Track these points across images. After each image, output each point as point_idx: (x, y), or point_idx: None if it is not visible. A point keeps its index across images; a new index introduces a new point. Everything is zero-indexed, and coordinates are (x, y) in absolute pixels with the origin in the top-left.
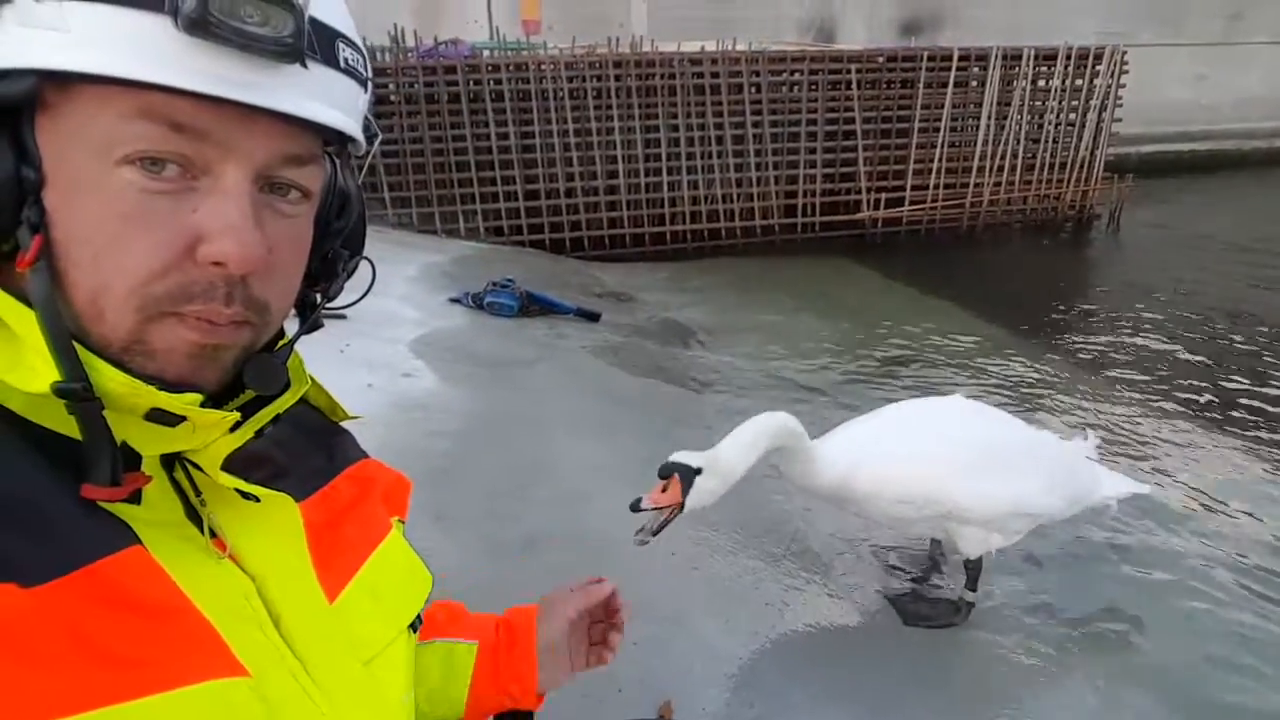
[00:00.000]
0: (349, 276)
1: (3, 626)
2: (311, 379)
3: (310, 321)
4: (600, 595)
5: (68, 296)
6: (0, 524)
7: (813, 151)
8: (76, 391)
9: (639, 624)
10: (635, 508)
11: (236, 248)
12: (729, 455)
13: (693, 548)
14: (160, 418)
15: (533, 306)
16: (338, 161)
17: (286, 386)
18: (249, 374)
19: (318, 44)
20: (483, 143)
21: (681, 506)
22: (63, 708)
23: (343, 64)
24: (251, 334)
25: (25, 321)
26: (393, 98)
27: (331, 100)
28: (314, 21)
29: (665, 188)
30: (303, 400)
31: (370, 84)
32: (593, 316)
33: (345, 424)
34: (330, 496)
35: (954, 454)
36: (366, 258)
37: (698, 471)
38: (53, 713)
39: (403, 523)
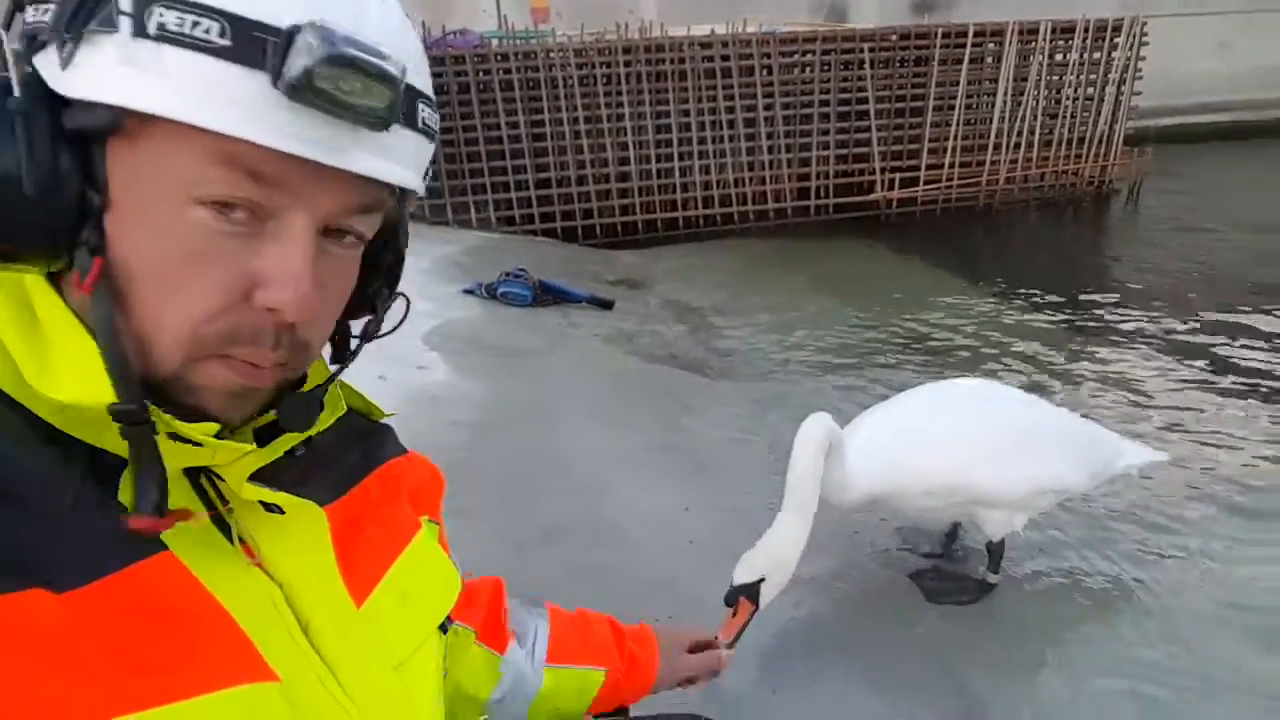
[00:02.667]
0: (386, 311)
1: (34, 633)
2: (343, 382)
3: (353, 358)
4: (711, 668)
5: (123, 320)
6: (29, 531)
7: (825, 133)
8: (133, 413)
9: (661, 602)
10: (726, 646)
11: (295, 297)
12: (786, 522)
13: (715, 531)
14: (180, 438)
15: (546, 296)
16: (401, 205)
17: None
18: (283, 413)
19: (403, 107)
20: (493, 132)
21: (756, 609)
22: (94, 713)
23: (420, 125)
24: (290, 373)
25: (77, 339)
26: None
27: (405, 159)
28: (405, 87)
29: (677, 173)
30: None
31: (438, 137)
32: (606, 304)
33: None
34: (359, 497)
35: (975, 443)
36: (402, 293)
37: (760, 581)
38: (83, 717)
39: (434, 523)
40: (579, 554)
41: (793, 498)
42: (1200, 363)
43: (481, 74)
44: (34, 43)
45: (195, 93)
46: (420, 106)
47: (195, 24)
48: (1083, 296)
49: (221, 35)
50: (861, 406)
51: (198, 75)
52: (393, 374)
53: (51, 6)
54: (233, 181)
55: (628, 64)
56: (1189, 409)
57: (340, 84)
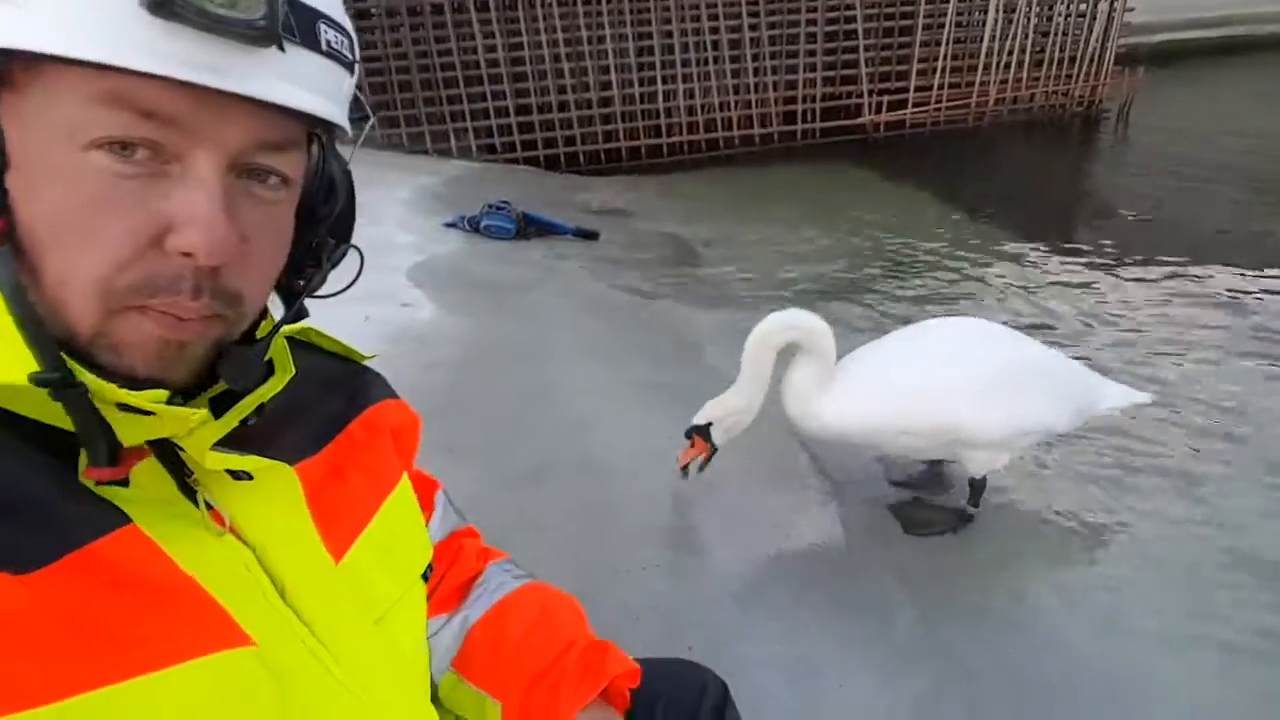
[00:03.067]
0: (335, 265)
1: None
2: (317, 331)
3: (293, 312)
4: None
5: (34, 283)
6: None
7: (812, 54)
8: (56, 381)
9: (650, 549)
10: (680, 471)
11: (205, 239)
12: (740, 386)
13: (701, 476)
14: (132, 409)
15: (530, 228)
16: (325, 146)
17: (267, 376)
18: (223, 368)
19: (296, 25)
20: (470, 56)
21: (713, 450)
22: (63, 690)
23: (324, 47)
24: (222, 327)
25: None
26: (373, 11)
27: (312, 85)
28: (293, 2)
29: (660, 97)
30: (315, 349)
31: (358, 66)
32: (591, 235)
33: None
34: (344, 444)
35: (960, 383)
36: (355, 246)
37: (709, 425)
38: (55, 695)
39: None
40: (569, 490)
41: (744, 372)
42: (1188, 289)
43: None
44: None
45: (60, 24)
46: (322, 27)
47: None
48: (1071, 222)
49: None
50: (852, 336)
51: (62, 5)
52: (377, 313)
53: None
54: (123, 122)
55: None
56: (1174, 340)
57: None
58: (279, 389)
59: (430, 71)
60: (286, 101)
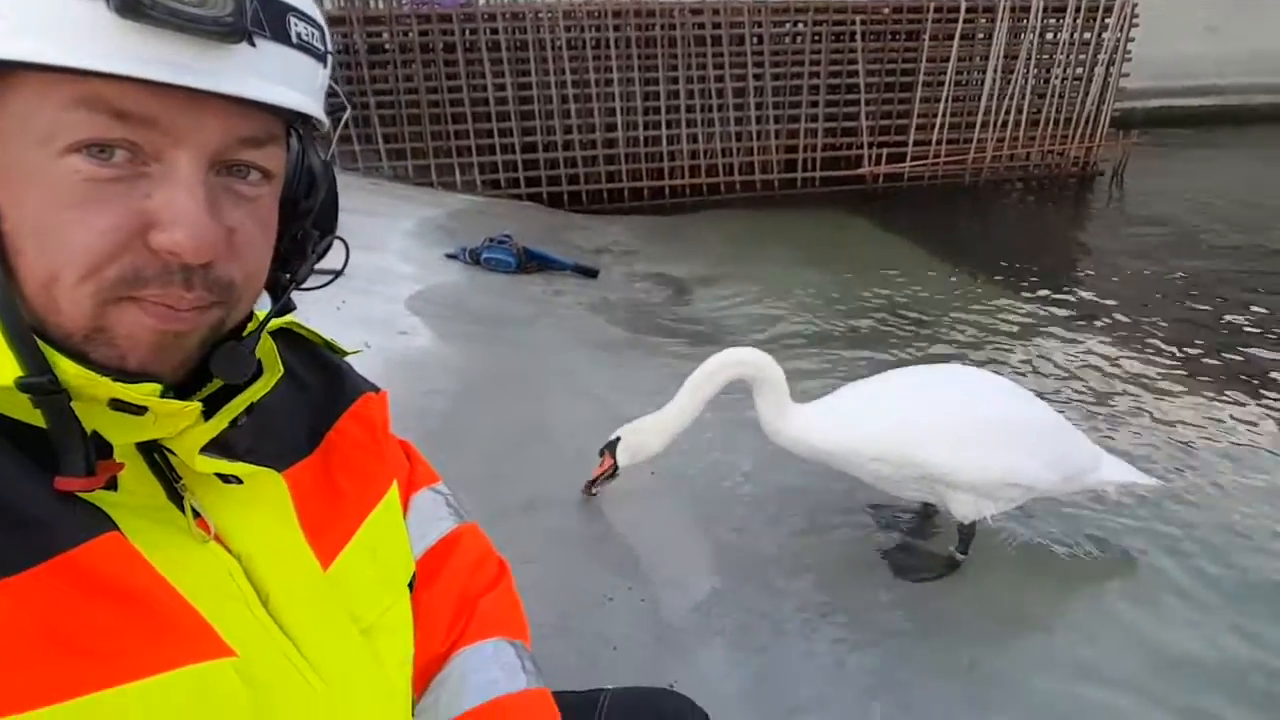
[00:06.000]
0: (320, 257)
1: None
2: (298, 324)
3: (280, 305)
4: None
5: (21, 289)
6: None
7: (814, 105)
8: (42, 385)
9: (636, 583)
10: (588, 492)
11: (189, 238)
12: (667, 410)
13: (694, 510)
14: (124, 406)
15: (530, 263)
16: (303, 139)
17: (257, 374)
18: (216, 362)
19: (266, 20)
20: (479, 94)
21: (615, 468)
22: (36, 699)
23: (295, 40)
24: (218, 315)
25: None
26: (387, 46)
27: (285, 78)
28: None
29: (664, 141)
30: (299, 341)
31: (330, 58)
32: (590, 272)
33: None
34: (334, 442)
35: (938, 421)
36: (340, 237)
37: (617, 440)
38: (26, 705)
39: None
40: (559, 523)
41: (677, 400)
42: (1176, 351)
43: (468, 33)
44: None
45: (30, 30)
46: (292, 20)
47: None
48: (1063, 279)
49: None
50: (842, 381)
51: (31, 11)
52: (374, 339)
53: None
54: (99, 124)
55: (617, 28)
56: (1161, 399)
57: None
58: (269, 389)
59: (440, 107)
60: (260, 96)
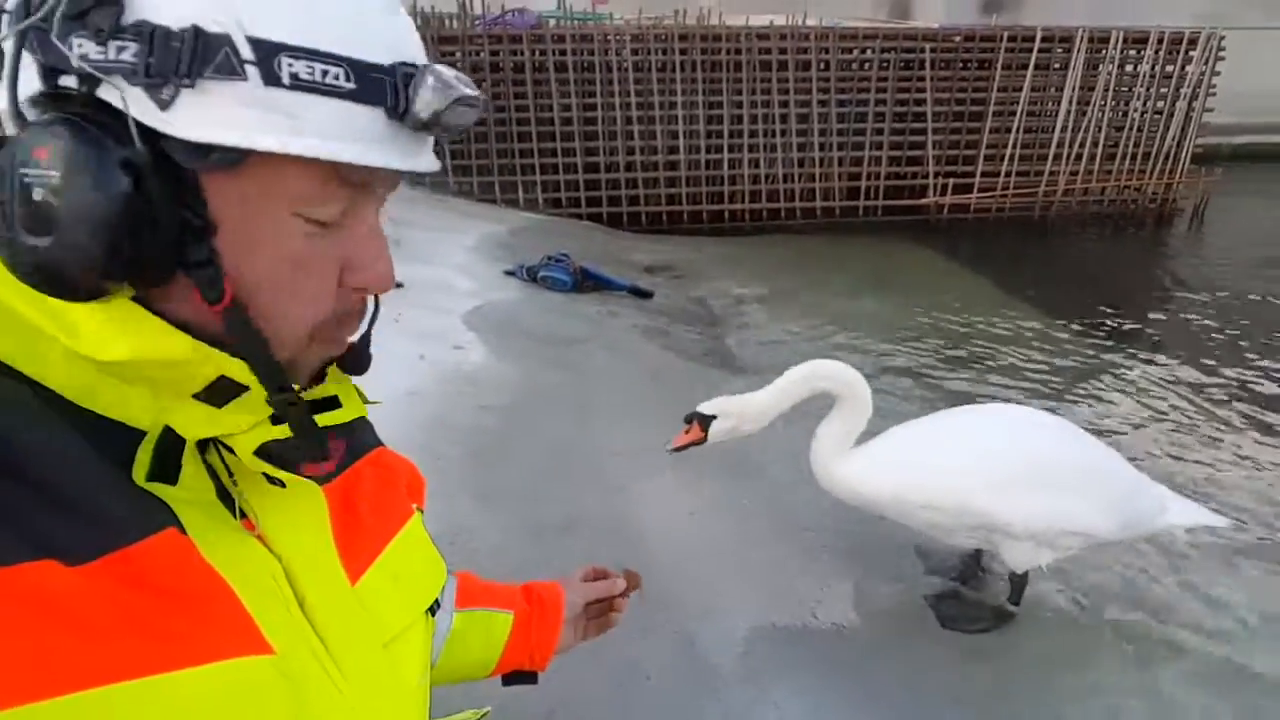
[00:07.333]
0: None
1: (45, 600)
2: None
3: (374, 314)
4: (613, 591)
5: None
6: (43, 506)
7: (880, 133)
8: (290, 397)
9: (671, 616)
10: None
11: (385, 279)
12: (762, 398)
13: (732, 540)
14: (208, 397)
15: (587, 282)
16: None
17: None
18: (347, 362)
19: None
20: (545, 113)
21: (704, 438)
22: (98, 676)
23: None
24: None
25: (172, 339)
26: (458, 66)
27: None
28: None
29: (726, 165)
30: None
31: None
32: (645, 294)
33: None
34: (352, 480)
35: (992, 467)
36: None
37: (713, 418)
38: (88, 682)
39: (421, 511)
40: (596, 547)
41: (777, 384)
42: (1251, 404)
43: (537, 54)
44: (93, 80)
45: (325, 131)
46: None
47: (325, 72)
48: (1135, 320)
49: (347, 80)
50: (899, 412)
51: (326, 116)
52: (430, 352)
53: (128, 46)
54: (336, 194)
55: (683, 52)
56: (1229, 450)
57: (452, 115)
58: (350, 418)
59: (506, 125)
60: (432, 168)
